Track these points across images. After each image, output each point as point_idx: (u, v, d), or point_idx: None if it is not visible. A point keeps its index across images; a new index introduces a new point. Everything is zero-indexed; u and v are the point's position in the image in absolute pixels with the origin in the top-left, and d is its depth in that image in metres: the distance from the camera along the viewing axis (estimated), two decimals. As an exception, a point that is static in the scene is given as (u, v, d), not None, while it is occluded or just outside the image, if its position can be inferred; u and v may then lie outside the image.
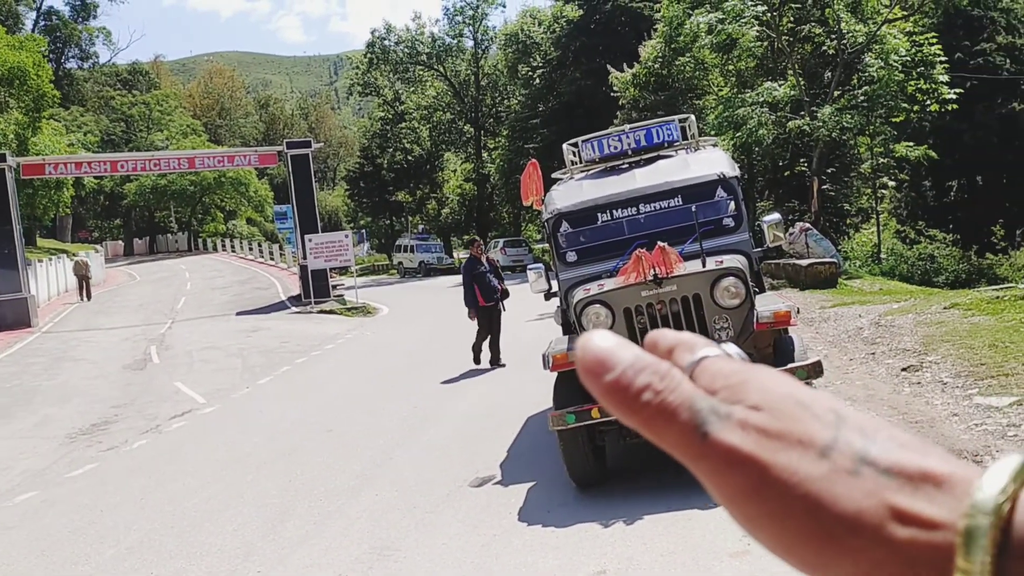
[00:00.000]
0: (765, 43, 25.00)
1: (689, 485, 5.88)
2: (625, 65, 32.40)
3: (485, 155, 50.26)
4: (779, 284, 18.53)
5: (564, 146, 8.85)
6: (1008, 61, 33.15)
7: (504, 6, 63.53)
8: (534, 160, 9.61)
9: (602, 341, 0.44)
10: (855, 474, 0.39)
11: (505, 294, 12.89)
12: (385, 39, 51.36)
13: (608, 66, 33.41)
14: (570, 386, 6.60)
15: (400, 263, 43.85)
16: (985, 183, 34.79)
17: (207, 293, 33.42)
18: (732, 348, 0.46)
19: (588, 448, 6.72)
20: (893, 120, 24.22)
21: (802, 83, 23.72)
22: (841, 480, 0.39)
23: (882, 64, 22.29)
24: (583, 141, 8.54)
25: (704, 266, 6.69)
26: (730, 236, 7.42)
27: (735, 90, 26.30)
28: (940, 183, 34.88)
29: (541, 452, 7.94)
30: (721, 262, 6.76)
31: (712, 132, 22.49)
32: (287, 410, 12.03)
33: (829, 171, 26.64)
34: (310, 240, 26.19)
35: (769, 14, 23.46)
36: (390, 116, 53.39)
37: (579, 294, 6.90)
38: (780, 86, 23.54)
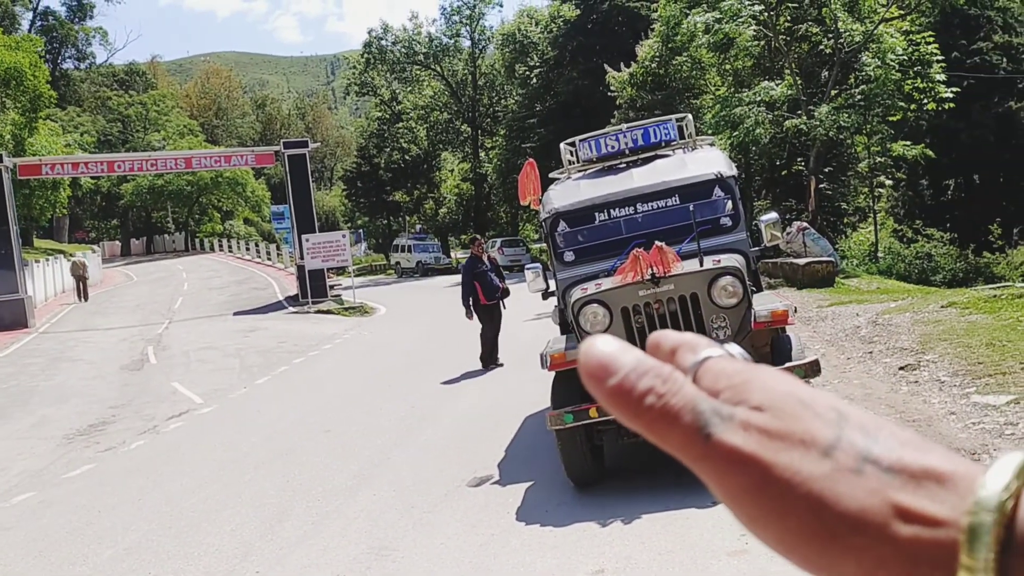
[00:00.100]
0: (762, 42, 25.03)
1: (687, 484, 5.89)
2: (622, 65, 32.43)
3: (482, 155, 50.26)
4: (776, 283, 18.55)
5: (561, 146, 8.84)
6: (1005, 60, 33.20)
7: (501, 6, 63.58)
8: (531, 160, 9.60)
9: (605, 346, 0.44)
10: (858, 473, 0.39)
11: (506, 293, 12.82)
12: (382, 39, 51.31)
13: (605, 66, 33.45)
14: (568, 386, 6.60)
15: (397, 263, 43.85)
16: (982, 182, 34.83)
17: (204, 293, 33.39)
18: (735, 348, 0.46)
19: (586, 447, 6.72)
20: (890, 119, 24.25)
21: (799, 82, 23.74)
22: (844, 479, 0.39)
23: (879, 63, 22.31)
24: (580, 141, 8.54)
25: (701, 265, 6.68)
26: (727, 235, 7.42)
27: (732, 89, 26.32)
28: (937, 182, 34.92)
29: (539, 452, 7.95)
30: (719, 261, 6.76)
31: (709, 131, 22.50)
32: (285, 410, 12.02)
33: (826, 170, 26.67)
34: (307, 240, 26.19)
35: (766, 13, 23.48)
36: (387, 116, 53.37)
37: (577, 293, 6.90)
38: (777, 85, 23.56)
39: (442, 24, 51.66)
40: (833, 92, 23.49)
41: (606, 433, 6.88)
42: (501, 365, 12.85)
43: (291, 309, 26.41)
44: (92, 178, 49.67)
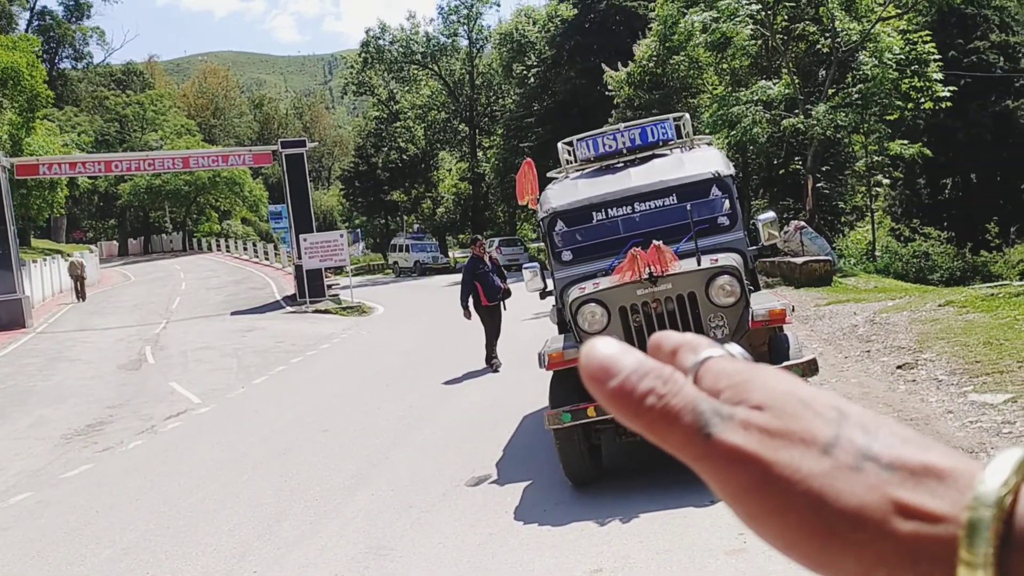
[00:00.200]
0: (759, 41, 25.04)
1: (685, 483, 5.90)
2: (620, 64, 32.44)
3: (480, 154, 50.24)
4: (774, 282, 18.56)
5: (559, 145, 8.84)
6: (1002, 59, 33.27)
7: (499, 5, 63.47)
8: (529, 159, 9.61)
9: (605, 348, 0.44)
10: (857, 470, 0.39)
11: (507, 294, 12.58)
12: (379, 38, 51.30)
13: (603, 65, 33.47)
14: (566, 385, 6.61)
15: (395, 262, 43.82)
16: (979, 181, 34.91)
17: (202, 293, 33.36)
18: (735, 348, 0.46)
19: (584, 447, 6.73)
20: (887, 118, 24.28)
21: (796, 81, 23.76)
22: (844, 476, 0.39)
23: (876, 62, 22.34)
24: (578, 140, 8.54)
25: (699, 264, 6.68)
26: (725, 234, 7.43)
27: (729, 88, 26.34)
28: (934, 181, 34.99)
29: (537, 451, 7.95)
30: (716, 260, 6.77)
31: (707, 131, 22.51)
32: (282, 410, 12.02)
33: (824, 169, 26.72)
34: (305, 240, 26.18)
35: (763, 12, 23.49)
36: (385, 115, 53.37)
37: (574, 293, 6.90)
38: (774, 84, 23.59)
39: (439, 23, 51.78)
40: (830, 91, 23.51)
41: (604, 432, 6.89)
42: (496, 370, 12.57)
43: (289, 309, 26.39)
44: (89, 178, 49.62)
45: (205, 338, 20.92)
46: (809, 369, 6.50)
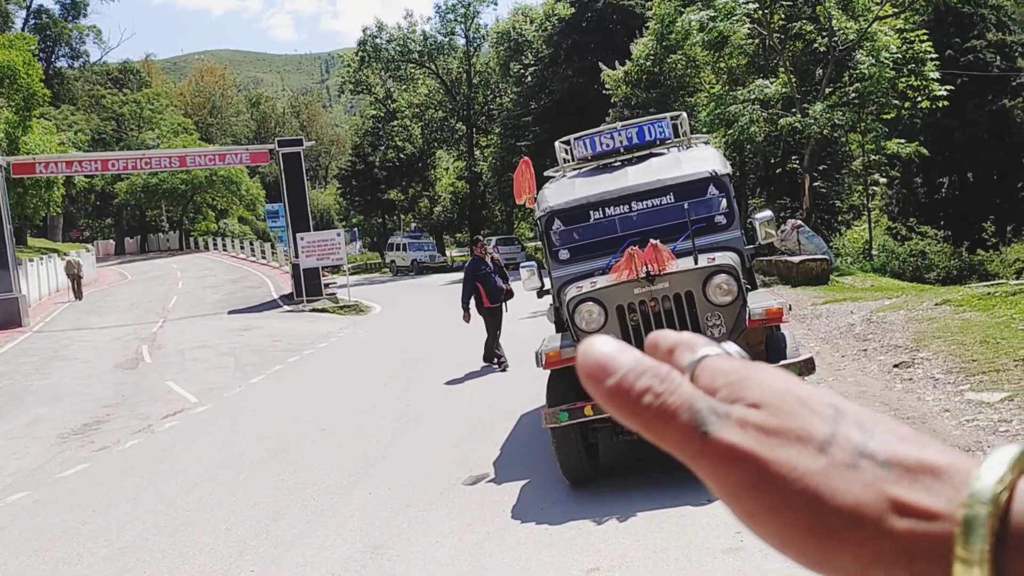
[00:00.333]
0: (756, 40, 25.05)
1: (682, 482, 5.90)
2: (617, 63, 32.44)
3: (477, 153, 50.24)
4: (771, 281, 18.57)
5: (556, 144, 8.84)
6: (998, 58, 33.31)
7: (496, 4, 63.59)
8: (526, 158, 9.60)
9: (603, 346, 0.45)
10: (854, 467, 0.39)
11: (510, 295, 12.41)
12: (377, 37, 51.26)
13: (600, 64, 33.46)
14: (563, 384, 6.61)
15: (392, 261, 43.82)
16: (976, 180, 34.94)
17: (199, 292, 33.33)
18: (732, 347, 0.46)
19: (581, 445, 6.73)
20: (884, 117, 24.29)
21: (793, 80, 23.78)
22: (840, 474, 0.39)
23: (873, 61, 22.36)
24: (575, 139, 8.54)
25: (696, 263, 6.69)
26: (722, 233, 7.43)
27: (727, 87, 26.33)
28: (931, 180, 35.04)
29: (534, 450, 7.95)
30: (713, 259, 6.77)
31: (704, 129, 22.50)
32: (279, 409, 12.01)
33: (821, 168, 26.74)
34: (302, 238, 26.17)
35: (760, 11, 23.49)
36: (382, 114, 53.34)
37: (572, 292, 6.90)
38: (771, 83, 23.59)
39: (437, 22, 51.74)
40: (827, 90, 23.52)
41: (601, 431, 6.89)
42: (504, 370, 12.37)
43: (286, 308, 26.38)
44: (86, 177, 49.43)
45: (202, 337, 20.90)
46: (806, 368, 6.51)
